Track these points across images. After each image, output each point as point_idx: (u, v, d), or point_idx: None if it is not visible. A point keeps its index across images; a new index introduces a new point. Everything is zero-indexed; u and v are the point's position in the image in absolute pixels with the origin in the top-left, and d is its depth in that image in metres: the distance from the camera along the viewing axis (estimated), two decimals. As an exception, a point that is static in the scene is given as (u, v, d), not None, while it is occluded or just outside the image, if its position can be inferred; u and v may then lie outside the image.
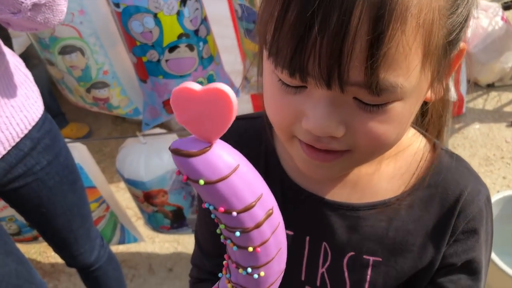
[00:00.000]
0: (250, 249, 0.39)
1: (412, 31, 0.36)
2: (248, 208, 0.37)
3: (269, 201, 0.40)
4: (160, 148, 1.52)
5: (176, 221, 1.67)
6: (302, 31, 0.37)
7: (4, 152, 1.00)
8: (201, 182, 0.35)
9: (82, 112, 2.55)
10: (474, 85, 2.56)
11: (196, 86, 0.32)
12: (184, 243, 2.02)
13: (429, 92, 0.45)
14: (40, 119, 1.07)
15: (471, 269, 0.57)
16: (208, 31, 1.33)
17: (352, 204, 0.56)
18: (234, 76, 1.50)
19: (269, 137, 0.59)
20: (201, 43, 1.30)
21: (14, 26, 0.90)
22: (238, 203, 0.37)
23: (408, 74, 0.38)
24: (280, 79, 0.42)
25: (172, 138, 1.58)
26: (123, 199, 2.22)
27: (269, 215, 0.39)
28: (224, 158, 0.35)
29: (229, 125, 0.33)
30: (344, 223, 0.56)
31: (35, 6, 0.84)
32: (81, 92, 1.39)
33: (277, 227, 0.41)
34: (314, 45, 0.37)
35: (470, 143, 2.35)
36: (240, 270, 0.42)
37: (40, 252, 2.11)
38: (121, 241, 1.80)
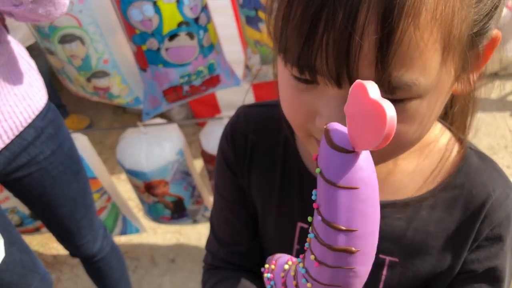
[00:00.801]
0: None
1: (427, 25, 0.34)
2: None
3: None
4: (161, 138, 1.52)
5: (176, 212, 1.67)
6: (307, 28, 0.35)
7: (7, 141, 0.99)
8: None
9: (83, 103, 2.54)
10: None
11: (373, 91, 0.30)
12: (186, 234, 2.02)
13: (457, 84, 0.42)
14: (44, 108, 1.07)
15: (493, 277, 0.54)
16: (209, 19, 1.31)
17: None
18: (236, 66, 1.49)
19: (288, 127, 0.57)
20: (201, 32, 1.28)
21: (18, 18, 0.90)
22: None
23: (425, 70, 0.36)
24: (292, 74, 0.41)
25: (172, 128, 1.57)
26: (125, 191, 2.22)
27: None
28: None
29: (373, 147, 0.31)
30: None
31: None
32: (82, 81, 1.38)
33: None
34: (321, 43, 0.35)
35: (474, 132, 2.34)
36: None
37: (42, 244, 2.11)
38: (123, 232, 1.80)
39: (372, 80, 0.34)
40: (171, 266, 1.92)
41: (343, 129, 0.33)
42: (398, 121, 0.38)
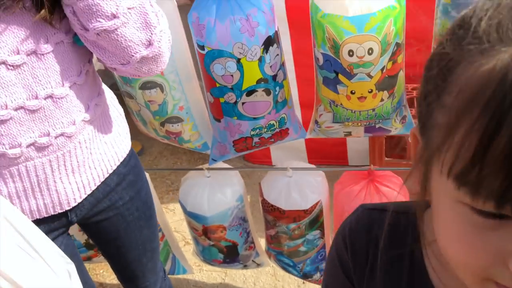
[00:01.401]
0: None
1: None
2: None
3: None
4: (223, 183, 1.54)
5: (229, 257, 1.67)
6: None
7: (94, 188, 1.03)
8: None
9: (134, 128, 2.63)
10: None
11: None
12: (231, 274, 2.01)
13: None
14: (128, 155, 1.11)
15: None
16: (285, 75, 1.34)
17: None
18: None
19: (417, 239, 0.53)
20: (277, 88, 1.31)
21: (119, 72, 0.94)
22: None
23: None
24: (476, 211, 0.35)
25: (235, 173, 1.59)
26: (171, 222, 2.24)
27: None
28: None
29: None
30: None
31: (143, 59, 0.88)
32: (156, 125, 1.43)
33: None
34: None
35: None
36: None
37: (89, 269, 2.15)
38: (171, 272, 1.81)
39: None
40: (214, 307, 1.91)
41: None
42: None
